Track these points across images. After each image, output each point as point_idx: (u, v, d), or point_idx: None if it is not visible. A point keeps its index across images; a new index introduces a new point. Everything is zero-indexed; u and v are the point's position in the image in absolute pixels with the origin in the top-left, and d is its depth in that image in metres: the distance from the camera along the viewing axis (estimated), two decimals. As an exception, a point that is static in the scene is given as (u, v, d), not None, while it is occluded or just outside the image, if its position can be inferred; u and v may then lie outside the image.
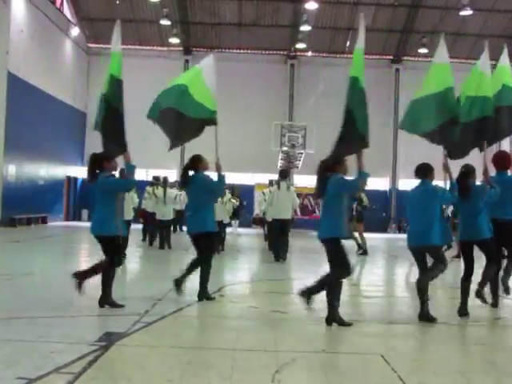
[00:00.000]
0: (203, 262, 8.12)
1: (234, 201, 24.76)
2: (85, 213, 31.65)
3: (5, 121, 22.93)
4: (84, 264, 12.88)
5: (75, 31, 30.88)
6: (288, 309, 7.66)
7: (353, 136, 7.23)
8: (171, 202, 15.78)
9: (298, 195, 28.64)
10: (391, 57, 33.84)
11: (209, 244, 8.21)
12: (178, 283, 7.89)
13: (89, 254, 14.42)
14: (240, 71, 32.66)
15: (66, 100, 29.95)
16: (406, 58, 33.71)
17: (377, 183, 33.12)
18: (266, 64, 33.15)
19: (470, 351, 5.62)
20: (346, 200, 6.70)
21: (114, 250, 7.20)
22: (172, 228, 16.93)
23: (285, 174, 14.59)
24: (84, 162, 32.82)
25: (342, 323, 6.38)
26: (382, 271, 13.56)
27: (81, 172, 32.51)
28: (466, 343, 5.97)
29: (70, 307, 7.09)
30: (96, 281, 10.05)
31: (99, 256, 13.50)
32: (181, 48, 33.31)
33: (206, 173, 8.47)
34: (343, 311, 7.51)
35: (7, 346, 5.11)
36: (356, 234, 16.00)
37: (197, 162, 8.32)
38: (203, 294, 7.84)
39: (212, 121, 8.74)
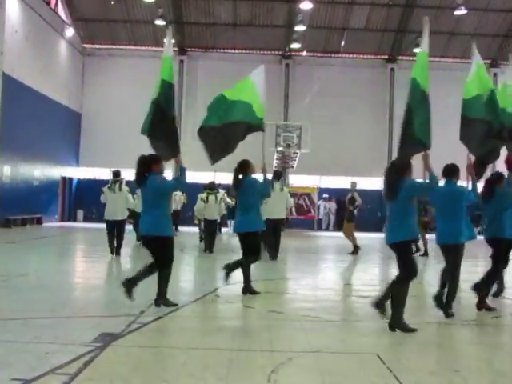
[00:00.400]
0: (252, 259, 8.65)
1: (229, 200, 24.84)
2: (80, 213, 31.60)
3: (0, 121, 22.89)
4: (79, 265, 12.88)
5: (70, 32, 30.79)
6: (284, 309, 7.66)
7: (411, 138, 7.18)
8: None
9: (294, 195, 28.86)
10: (386, 56, 33.86)
11: (255, 242, 8.60)
12: (246, 289, 8.47)
13: (84, 255, 14.40)
14: (235, 71, 32.45)
15: (61, 101, 29.88)
16: (400, 57, 33.73)
17: (371, 183, 33.19)
18: (260, 64, 32.95)
19: (465, 350, 5.63)
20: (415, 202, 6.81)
21: (166, 250, 7.25)
22: None
23: (278, 175, 14.80)
24: (79, 162, 32.80)
25: (406, 329, 6.25)
26: (377, 271, 13.57)
27: (76, 172, 32.48)
28: (461, 342, 5.97)
29: (66, 308, 7.08)
30: (91, 282, 10.05)
31: (93, 256, 13.52)
32: (176, 48, 33.27)
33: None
34: (339, 311, 7.52)
35: (2, 347, 5.10)
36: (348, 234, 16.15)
37: (246, 167, 8.79)
38: (248, 290, 8.42)
39: (259, 127, 9.11)
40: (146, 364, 4.81)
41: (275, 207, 13.75)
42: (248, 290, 8.49)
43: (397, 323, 6.27)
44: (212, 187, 16.30)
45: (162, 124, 8.04)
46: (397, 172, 6.72)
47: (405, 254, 6.56)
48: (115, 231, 13.55)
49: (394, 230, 6.55)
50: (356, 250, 15.92)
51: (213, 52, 33.55)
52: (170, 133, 8.19)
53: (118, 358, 4.96)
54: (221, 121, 8.76)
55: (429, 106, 7.30)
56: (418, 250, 15.69)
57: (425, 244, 16.11)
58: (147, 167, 7.48)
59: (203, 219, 16.07)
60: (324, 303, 8.17)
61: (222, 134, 8.82)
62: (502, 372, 4.88)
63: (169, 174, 7.39)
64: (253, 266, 13.30)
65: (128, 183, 14.79)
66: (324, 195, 31.80)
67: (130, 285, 7.14)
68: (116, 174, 13.98)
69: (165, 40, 8.81)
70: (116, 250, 13.60)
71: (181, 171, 7.77)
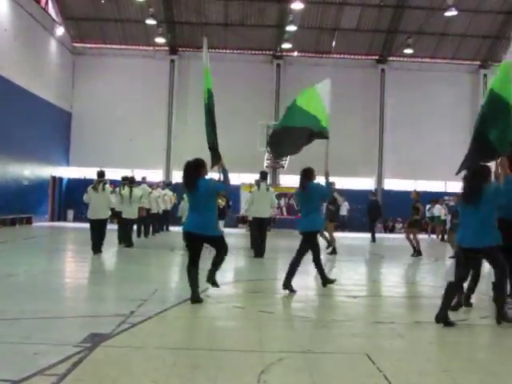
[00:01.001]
0: (316, 256, 9.45)
1: (219, 201, 24.79)
2: (70, 213, 31.50)
3: (-11, 120, 22.80)
4: (69, 264, 12.82)
5: (60, 30, 30.68)
6: (274, 309, 7.66)
7: (487, 146, 7.78)
8: (137, 201, 15.84)
9: (284, 195, 28.95)
10: (377, 57, 33.97)
11: (316, 240, 9.49)
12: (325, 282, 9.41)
13: (74, 255, 14.34)
14: (226, 71, 32.59)
15: (51, 100, 29.76)
16: (391, 58, 33.86)
17: (362, 183, 33.27)
18: (252, 64, 33.18)
19: (455, 350, 5.63)
20: None
21: (221, 244, 8.10)
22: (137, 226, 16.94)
23: (264, 176, 15.15)
24: (69, 161, 32.67)
25: (449, 323, 6.61)
26: (368, 271, 13.59)
27: (66, 172, 32.35)
28: (450, 342, 5.98)
29: (55, 308, 7.04)
30: (81, 282, 10.01)
31: (83, 256, 13.46)
32: (167, 48, 33.23)
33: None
34: (328, 311, 7.52)
35: (-10, 348, 5.06)
36: (327, 233, 16.23)
37: (310, 174, 9.53)
38: (326, 281, 9.44)
39: (322, 134, 9.80)
40: (136, 364, 4.79)
41: (261, 206, 14.44)
42: (325, 282, 9.49)
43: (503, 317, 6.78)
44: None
45: (210, 131, 9.22)
46: (481, 177, 7.01)
47: (496, 255, 6.89)
48: (97, 230, 13.93)
49: (481, 235, 6.82)
50: (334, 250, 15.96)
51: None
52: (215, 139, 9.30)
53: (108, 358, 4.93)
54: (290, 124, 9.73)
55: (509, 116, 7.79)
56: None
57: (417, 244, 16.16)
58: (196, 171, 8.03)
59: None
60: (314, 303, 8.18)
61: (289, 135, 9.81)
62: (492, 372, 4.89)
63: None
64: (245, 267, 13.36)
65: (115, 182, 14.95)
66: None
67: (213, 280, 8.13)
68: (100, 175, 14.31)
69: (203, 52, 10.13)
70: (97, 248, 13.92)
71: (224, 173, 8.48)
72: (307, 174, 9.52)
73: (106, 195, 14.01)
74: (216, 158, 8.89)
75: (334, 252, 15.95)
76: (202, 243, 8.04)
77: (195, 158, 8.19)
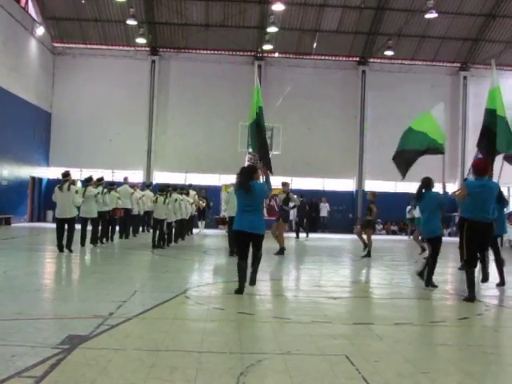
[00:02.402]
0: (433, 258, 10.35)
1: (201, 202, 24.80)
2: (50, 214, 31.14)
3: (-33, 120, 22.52)
4: (48, 265, 12.71)
5: (40, 30, 30.43)
6: (254, 310, 7.65)
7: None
8: (92, 200, 15.83)
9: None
10: (357, 59, 34.12)
11: (438, 244, 10.38)
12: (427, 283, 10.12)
13: (53, 256, 14.21)
14: (207, 72, 32.60)
15: (31, 100, 29.51)
16: (372, 59, 34.04)
17: (343, 184, 33.39)
18: (232, 65, 33.16)
19: (434, 352, 5.66)
20: None
21: (261, 244, 9.01)
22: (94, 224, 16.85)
23: None
24: (49, 162, 32.39)
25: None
26: (347, 272, 13.62)
27: (46, 172, 32.08)
28: (430, 344, 6.01)
29: (33, 309, 6.97)
30: (60, 283, 9.92)
31: (62, 257, 13.35)
32: (147, 48, 33.10)
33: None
34: (309, 312, 7.53)
35: (-34, 351, 4.99)
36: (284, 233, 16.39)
37: (429, 183, 10.50)
38: (429, 283, 10.15)
39: (439, 150, 11.29)
40: (114, 366, 4.74)
41: None
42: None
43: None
44: (162, 189, 17.05)
45: (262, 144, 10.77)
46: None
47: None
48: (64, 229, 14.45)
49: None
50: (282, 250, 15.95)
51: (185, 52, 33.45)
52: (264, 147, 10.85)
53: (86, 360, 4.89)
54: (409, 146, 11.61)
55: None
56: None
57: (369, 245, 16.17)
58: (250, 176, 8.88)
59: (153, 218, 17.04)
60: (294, 304, 8.18)
61: (408, 155, 11.67)
62: (470, 373, 4.91)
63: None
64: (225, 268, 13.34)
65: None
66: (299, 198, 31.77)
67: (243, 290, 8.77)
68: (65, 175, 14.86)
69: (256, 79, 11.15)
70: (67, 247, 14.32)
71: (267, 179, 9.41)
72: (427, 184, 10.36)
73: (71, 195, 14.48)
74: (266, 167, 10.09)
75: (281, 253, 15.87)
76: (250, 240, 8.83)
77: (249, 164, 9.50)
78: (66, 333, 5.67)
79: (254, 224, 8.72)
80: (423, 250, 16.42)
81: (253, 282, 8.97)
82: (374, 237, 16.72)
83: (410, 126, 11.57)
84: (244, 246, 8.90)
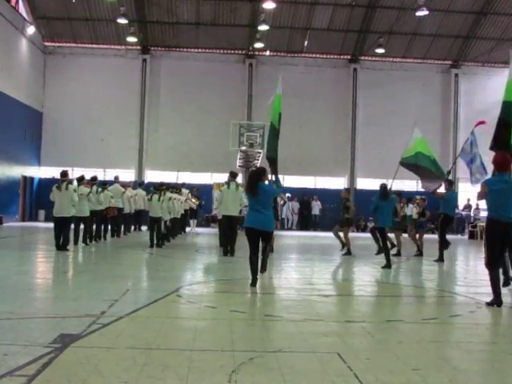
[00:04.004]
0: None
1: (193, 200, 24.78)
2: (41, 213, 31.07)
3: (-43, 120, 22.40)
4: (40, 265, 12.68)
5: (31, 30, 30.30)
6: (246, 308, 7.66)
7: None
8: (84, 200, 15.83)
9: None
10: (349, 57, 34.17)
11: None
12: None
13: (44, 255, 14.19)
14: (198, 70, 32.57)
15: (22, 99, 29.39)
16: (363, 57, 34.09)
17: (334, 182, 33.43)
18: (224, 63, 33.14)
19: (424, 349, 5.68)
20: None
21: (270, 238, 9.96)
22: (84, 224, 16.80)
23: (234, 175, 15.41)
24: (41, 161, 32.28)
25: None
26: (339, 270, 13.66)
27: (37, 172, 31.97)
28: (420, 341, 6.03)
29: (25, 309, 6.96)
30: (52, 282, 9.90)
31: (54, 256, 13.32)
32: (138, 47, 33.03)
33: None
34: (300, 310, 7.55)
35: (-43, 351, 4.98)
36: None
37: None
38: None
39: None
40: (106, 365, 4.74)
41: (230, 205, 14.84)
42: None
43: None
44: (157, 187, 17.11)
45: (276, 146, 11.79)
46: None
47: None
48: (61, 228, 14.63)
49: None
50: (271, 248, 15.97)
51: (176, 51, 33.42)
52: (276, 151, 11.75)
53: (78, 359, 4.89)
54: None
55: None
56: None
57: (347, 242, 16.22)
58: (258, 177, 9.48)
59: (149, 217, 17.01)
60: (286, 302, 8.20)
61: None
62: (461, 369, 4.94)
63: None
64: (217, 266, 13.36)
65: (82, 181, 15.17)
66: (287, 195, 31.80)
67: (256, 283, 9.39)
68: (63, 174, 15.00)
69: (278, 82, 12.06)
70: (62, 246, 14.47)
71: (277, 179, 10.51)
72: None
73: (70, 194, 14.63)
74: (274, 168, 11.10)
75: (270, 250, 15.92)
76: (259, 237, 9.42)
77: (258, 167, 10.10)
78: (57, 332, 5.67)
79: (261, 221, 9.29)
80: (419, 250, 16.39)
81: (263, 268, 10.04)
82: (364, 235, 16.74)
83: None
84: (254, 241, 9.44)
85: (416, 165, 14.68)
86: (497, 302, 8.08)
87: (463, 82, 34.43)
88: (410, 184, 33.52)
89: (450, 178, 18.60)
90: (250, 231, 9.40)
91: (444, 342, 6.04)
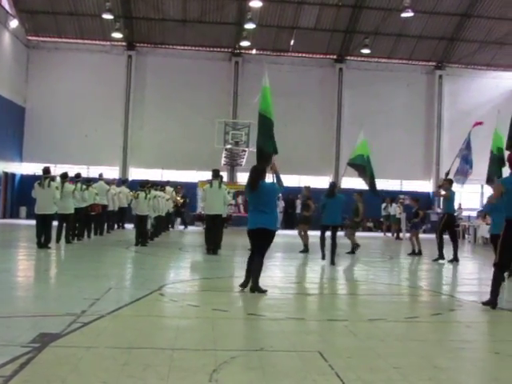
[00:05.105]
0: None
1: (178, 198, 24.71)
2: (23, 210, 30.73)
3: None
4: (20, 263, 12.56)
5: (14, 23, 30.01)
6: (229, 307, 7.64)
7: None
8: (69, 197, 15.72)
9: (242, 192, 28.87)
10: (335, 56, 34.24)
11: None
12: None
13: (25, 253, 14.07)
14: (184, 68, 32.46)
15: (4, 94, 29.12)
16: (349, 57, 34.18)
17: (319, 181, 33.43)
18: (210, 61, 33.05)
19: (406, 347, 5.70)
20: None
21: (269, 244, 8.95)
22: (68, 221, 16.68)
23: (216, 173, 15.26)
24: (23, 157, 32.00)
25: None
26: (322, 268, 13.67)
27: (19, 168, 31.69)
28: (403, 339, 6.05)
29: (4, 307, 6.89)
30: (32, 280, 9.82)
31: (35, 254, 13.22)
32: (124, 43, 32.86)
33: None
34: (283, 309, 7.54)
35: None
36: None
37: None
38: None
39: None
40: (86, 365, 4.70)
41: (214, 203, 14.76)
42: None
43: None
44: (143, 184, 17.06)
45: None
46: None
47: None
48: (43, 225, 14.51)
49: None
50: None
51: (162, 48, 33.29)
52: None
53: (57, 359, 4.83)
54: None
55: None
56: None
57: (306, 240, 16.32)
58: (260, 175, 8.94)
59: (135, 215, 16.90)
60: (269, 301, 8.18)
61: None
62: (441, 368, 4.96)
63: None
64: (201, 265, 13.33)
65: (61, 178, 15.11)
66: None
67: (258, 288, 8.54)
68: (45, 171, 14.85)
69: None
70: (44, 243, 14.36)
71: (278, 176, 9.33)
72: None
73: (52, 191, 14.53)
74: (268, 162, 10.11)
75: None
76: (261, 236, 8.78)
77: (259, 164, 9.36)
78: (37, 331, 5.61)
79: (263, 220, 8.74)
80: (417, 252, 16.31)
81: (252, 289, 8.65)
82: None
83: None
84: (254, 242, 8.93)
85: (359, 165, 15.51)
86: (493, 303, 7.91)
87: (447, 83, 34.66)
88: (393, 183, 33.75)
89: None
90: (253, 233, 8.87)
91: (425, 341, 6.06)
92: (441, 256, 14.75)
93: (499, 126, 14.28)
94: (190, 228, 26.98)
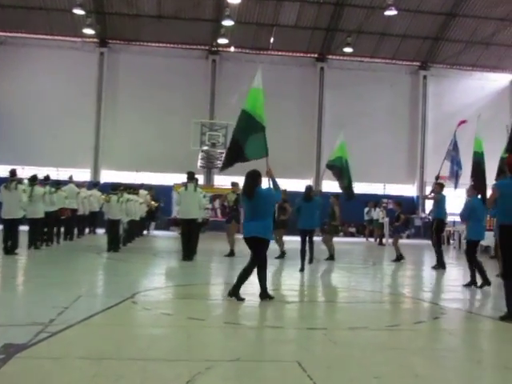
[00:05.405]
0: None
1: (153, 203, 24.62)
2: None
3: None
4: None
5: (-20, 18, 29.69)
6: (204, 315, 7.62)
7: None
8: (39, 200, 15.64)
9: (219, 196, 28.88)
10: (316, 55, 34.38)
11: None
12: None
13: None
14: (159, 66, 32.36)
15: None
16: (330, 56, 34.34)
17: (300, 185, 33.48)
18: (186, 59, 32.99)
19: (387, 356, 5.74)
20: None
21: (265, 251, 8.83)
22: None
23: (191, 176, 15.22)
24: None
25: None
26: (302, 275, 13.69)
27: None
28: (384, 348, 6.09)
29: (-33, 317, 6.82)
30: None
31: (2, 261, 13.08)
32: (96, 40, 32.67)
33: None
34: (261, 317, 7.55)
35: None
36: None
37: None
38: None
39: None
40: (53, 377, 4.67)
41: (189, 207, 14.68)
42: None
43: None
44: (115, 187, 17.03)
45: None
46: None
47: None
48: (10, 230, 14.36)
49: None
50: (232, 253, 16.01)
51: (136, 45, 33.15)
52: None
53: (23, 371, 4.79)
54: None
55: None
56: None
57: (282, 245, 16.43)
58: (256, 181, 8.79)
59: (107, 219, 16.77)
60: (247, 309, 8.19)
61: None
62: (423, 377, 5.02)
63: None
64: (176, 271, 13.29)
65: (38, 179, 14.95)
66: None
67: (237, 293, 8.47)
68: (12, 173, 14.77)
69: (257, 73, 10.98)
70: (11, 249, 14.18)
71: (275, 182, 9.24)
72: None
73: (18, 194, 14.40)
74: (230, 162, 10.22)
75: (231, 254, 16.02)
76: (256, 245, 8.73)
77: (254, 169, 8.87)
78: (1, 342, 5.53)
79: (257, 228, 8.66)
80: (398, 257, 16.28)
81: (262, 296, 8.63)
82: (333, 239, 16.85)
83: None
84: (251, 250, 8.88)
85: (336, 167, 16.08)
86: None
87: (432, 83, 34.99)
88: (376, 187, 33.96)
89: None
90: (251, 240, 8.78)
91: (407, 349, 6.11)
92: (441, 265, 14.63)
93: (479, 131, 14.36)
94: (165, 233, 26.90)
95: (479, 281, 10.97)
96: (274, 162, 10.91)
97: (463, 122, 16.13)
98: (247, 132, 10.10)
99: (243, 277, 8.65)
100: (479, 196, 11.63)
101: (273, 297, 8.68)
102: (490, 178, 14.77)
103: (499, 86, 35.76)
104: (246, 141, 10.09)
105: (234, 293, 8.52)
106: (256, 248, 8.72)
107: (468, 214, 11.19)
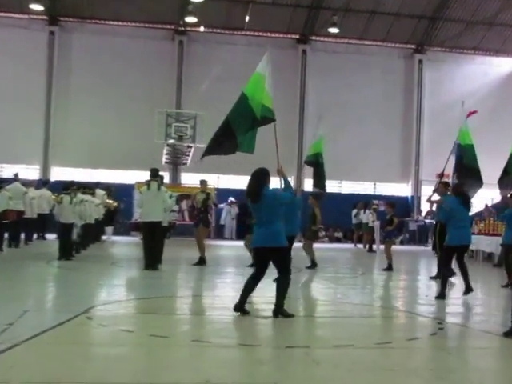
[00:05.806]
0: None
1: (110, 201, 24.50)
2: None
3: None
4: None
5: None
6: (169, 332, 7.60)
7: None
8: None
9: (187, 196, 28.82)
10: (297, 36, 34.49)
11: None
12: None
13: None
14: (118, 48, 32.21)
15: None
16: (314, 37, 34.44)
17: (278, 183, 33.52)
18: (149, 40, 32.89)
19: (377, 378, 5.77)
20: None
21: (287, 259, 8.97)
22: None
23: (155, 173, 15.16)
24: None
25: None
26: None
27: None
28: (373, 369, 6.11)
29: None
30: None
31: None
32: (45, 17, 32.42)
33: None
34: (234, 334, 7.55)
35: None
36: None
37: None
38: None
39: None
40: (-7, 403, 4.63)
41: (152, 209, 14.61)
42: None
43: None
44: (67, 187, 16.90)
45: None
46: None
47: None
48: None
49: None
50: (202, 261, 16.05)
51: (91, 23, 32.98)
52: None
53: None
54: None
55: None
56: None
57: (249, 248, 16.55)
58: (263, 181, 8.81)
59: (59, 223, 16.68)
60: (218, 325, 8.19)
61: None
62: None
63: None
64: (137, 282, 13.24)
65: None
66: (230, 198, 31.56)
67: (242, 307, 8.55)
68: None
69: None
70: None
71: (286, 182, 9.47)
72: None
73: None
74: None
75: (202, 263, 16.11)
76: (270, 259, 8.73)
77: (262, 167, 8.96)
78: None
79: (268, 236, 8.63)
80: (390, 265, 16.28)
81: (276, 313, 8.66)
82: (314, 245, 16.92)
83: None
84: (259, 262, 8.96)
85: (314, 163, 16.61)
86: None
87: (428, 69, 35.22)
88: (366, 186, 34.13)
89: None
90: (259, 251, 8.89)
91: (399, 370, 6.14)
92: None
93: (463, 121, 14.69)
94: (125, 238, 26.81)
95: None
96: (249, 158, 10.98)
97: (473, 112, 16.29)
98: (245, 118, 10.90)
99: (284, 290, 8.79)
100: (458, 195, 11.76)
101: (292, 314, 8.70)
102: (488, 175, 14.99)
103: (504, 71, 36.06)
104: (239, 128, 10.87)
105: (280, 312, 8.59)
106: (273, 260, 8.76)
107: (446, 216, 11.50)
